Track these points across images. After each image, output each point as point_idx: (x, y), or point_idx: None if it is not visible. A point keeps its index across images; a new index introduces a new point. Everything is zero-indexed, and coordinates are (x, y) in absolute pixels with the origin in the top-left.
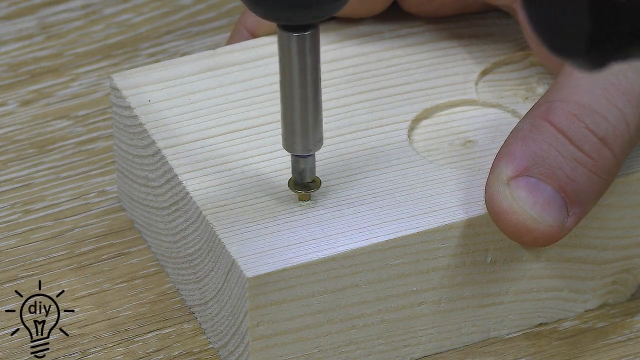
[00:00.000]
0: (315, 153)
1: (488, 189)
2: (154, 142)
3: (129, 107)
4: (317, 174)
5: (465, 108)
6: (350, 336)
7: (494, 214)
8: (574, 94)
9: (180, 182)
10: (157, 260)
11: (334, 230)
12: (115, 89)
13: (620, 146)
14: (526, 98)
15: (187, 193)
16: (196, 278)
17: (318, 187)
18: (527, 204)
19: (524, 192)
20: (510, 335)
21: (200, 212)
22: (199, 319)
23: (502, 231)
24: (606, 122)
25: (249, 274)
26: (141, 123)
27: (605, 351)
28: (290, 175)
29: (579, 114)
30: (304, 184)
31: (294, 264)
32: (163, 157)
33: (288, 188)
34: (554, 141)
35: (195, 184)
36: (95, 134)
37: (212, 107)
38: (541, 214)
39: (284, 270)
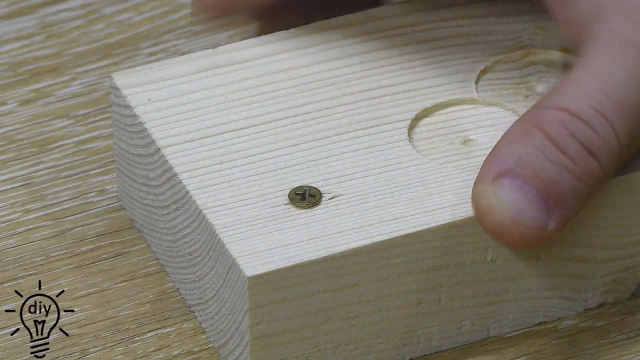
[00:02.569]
0: (316, 152)
1: (473, 188)
2: (154, 141)
3: (129, 106)
4: (316, 173)
5: (465, 107)
6: (350, 335)
7: (477, 213)
8: (565, 102)
9: (180, 181)
10: (157, 259)
11: (333, 229)
12: (115, 88)
13: (607, 156)
14: (526, 97)
15: (187, 192)
16: (196, 277)
17: (318, 199)
18: (509, 204)
19: (506, 192)
20: (510, 334)
21: (200, 211)
22: (198, 318)
23: (484, 230)
24: (592, 132)
25: (248, 273)
26: (141, 122)
27: (606, 350)
28: (290, 188)
29: (566, 121)
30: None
31: (294, 263)
32: (163, 156)
33: (288, 188)
34: (540, 145)
35: (195, 183)
36: (95, 133)
37: (212, 106)
38: (522, 215)
39: (283, 269)
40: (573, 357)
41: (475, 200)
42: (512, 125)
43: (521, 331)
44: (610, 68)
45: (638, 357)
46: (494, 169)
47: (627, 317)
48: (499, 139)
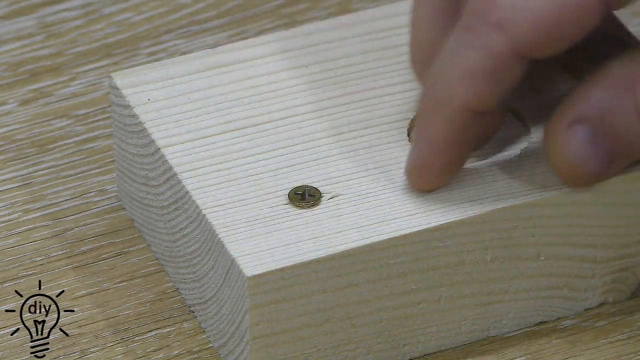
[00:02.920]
0: (315, 152)
1: (549, 123)
2: (154, 141)
3: (129, 106)
4: (316, 173)
5: None
6: (349, 335)
7: (546, 149)
8: None
9: (180, 181)
10: (157, 259)
11: (333, 229)
12: (114, 87)
13: None
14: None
15: (187, 192)
16: (196, 277)
17: (318, 199)
18: (575, 152)
19: (576, 141)
20: (510, 334)
21: (200, 211)
22: (198, 318)
23: (548, 165)
24: None
25: (248, 272)
26: (141, 122)
27: (605, 350)
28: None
29: None
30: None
31: (294, 262)
32: (162, 156)
33: (287, 188)
34: (627, 108)
35: (195, 183)
36: (95, 133)
37: (212, 105)
38: (583, 164)
39: (283, 269)
40: (573, 357)
41: (546, 136)
42: (606, 70)
43: (521, 331)
44: None
45: (638, 357)
46: (573, 111)
47: (627, 317)
48: (584, 82)
